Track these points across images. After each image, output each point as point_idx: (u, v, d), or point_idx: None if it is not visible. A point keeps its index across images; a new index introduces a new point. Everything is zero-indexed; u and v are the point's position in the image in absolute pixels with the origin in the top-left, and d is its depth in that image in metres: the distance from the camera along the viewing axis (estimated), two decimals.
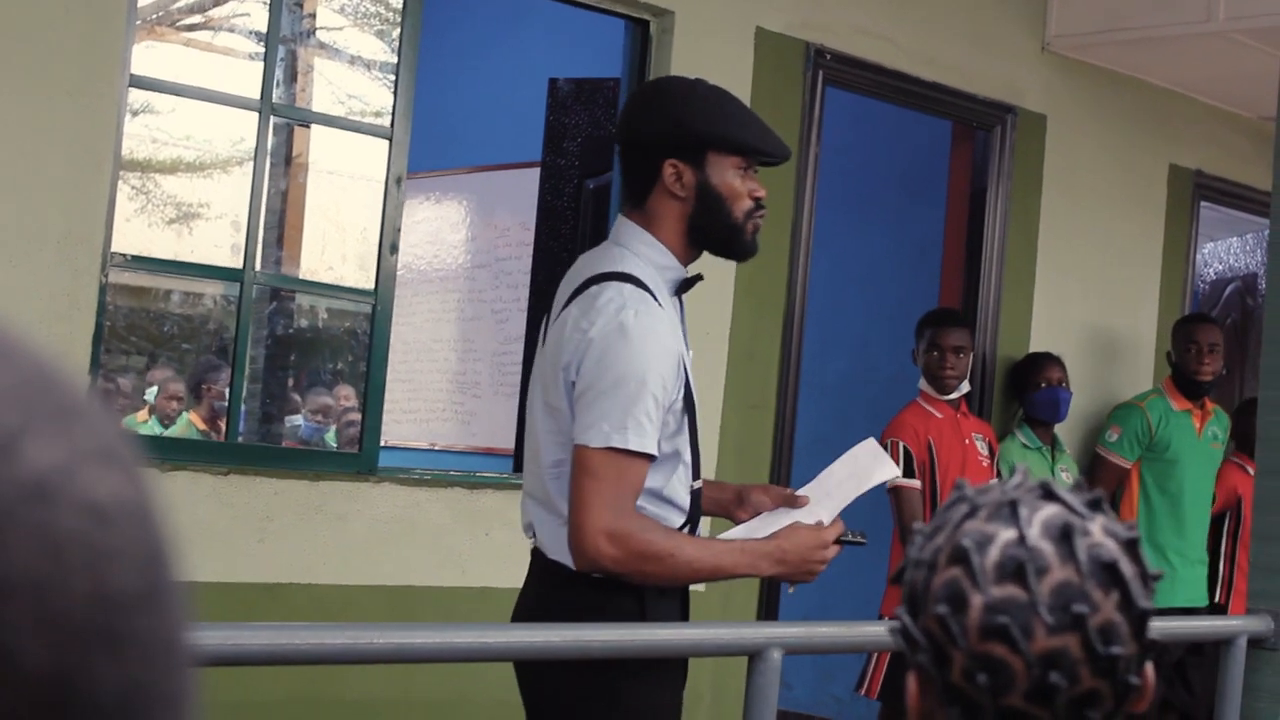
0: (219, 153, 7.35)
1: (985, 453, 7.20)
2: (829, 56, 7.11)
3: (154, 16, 7.19)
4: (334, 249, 9.04)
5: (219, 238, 6.88)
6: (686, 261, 3.74)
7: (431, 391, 9.44)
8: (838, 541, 3.68)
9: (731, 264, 6.70)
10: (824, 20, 7.09)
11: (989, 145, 7.92)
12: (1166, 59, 8.16)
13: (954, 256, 8.11)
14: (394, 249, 6.10)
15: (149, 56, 5.68)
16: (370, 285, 6.11)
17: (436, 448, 9.28)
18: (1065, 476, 7.61)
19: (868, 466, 3.95)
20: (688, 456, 3.69)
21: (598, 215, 7.50)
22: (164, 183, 7.70)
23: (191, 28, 7.11)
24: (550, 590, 3.73)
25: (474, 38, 9.40)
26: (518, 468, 7.68)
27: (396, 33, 6.18)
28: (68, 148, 5.25)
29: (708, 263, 6.56)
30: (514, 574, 6.23)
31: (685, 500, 3.70)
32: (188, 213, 7.60)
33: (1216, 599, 8.20)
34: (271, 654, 3.37)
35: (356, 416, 7.69)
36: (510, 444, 8.17)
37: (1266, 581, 5.07)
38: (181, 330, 6.07)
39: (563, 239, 7.92)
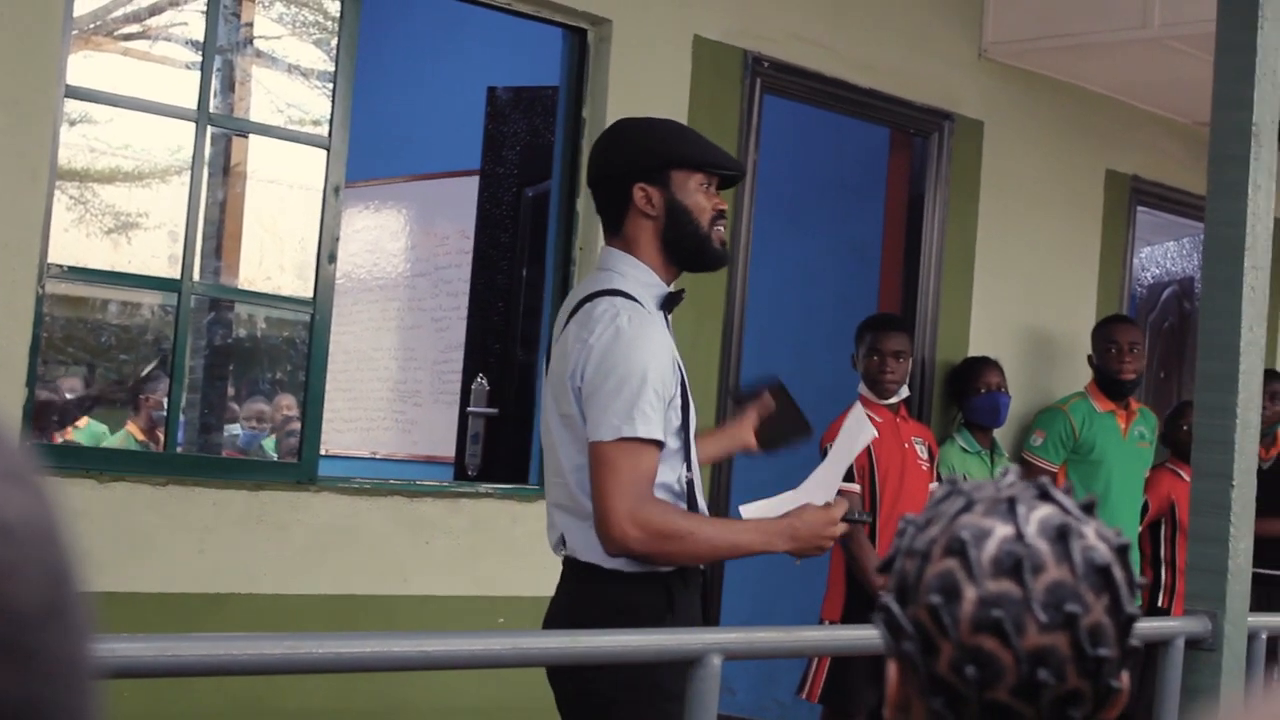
0: (156, 163, 7.32)
1: (925, 457, 7.23)
2: (767, 64, 7.13)
3: (90, 26, 7.16)
4: (272, 258, 9.01)
5: (157, 248, 6.85)
6: (668, 279, 4.07)
7: (372, 400, 9.42)
8: (844, 519, 3.97)
9: None
10: (762, 28, 7.11)
11: (927, 151, 7.95)
12: (1103, 65, 8.21)
13: (893, 262, 8.14)
14: (332, 258, 6.09)
15: (85, 66, 5.66)
16: (309, 294, 6.10)
17: (377, 456, 9.26)
18: None
19: (854, 432, 4.40)
20: (685, 450, 4.00)
21: (537, 223, 7.50)
22: (101, 193, 7.66)
23: (128, 37, 7.08)
24: (583, 590, 4.05)
25: (412, 46, 9.39)
26: (459, 476, 7.68)
27: (334, 42, 6.18)
28: (3, 159, 5.22)
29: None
30: (454, 582, 6.25)
31: (683, 490, 4.01)
32: (125, 223, 7.57)
33: (1160, 604, 8.26)
34: (211, 665, 3.36)
35: (298, 426, 7.68)
36: (450, 452, 8.15)
37: (1203, 583, 5.10)
38: (120, 341, 6.04)
39: (502, 247, 7.91)
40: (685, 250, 4.05)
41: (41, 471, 0.67)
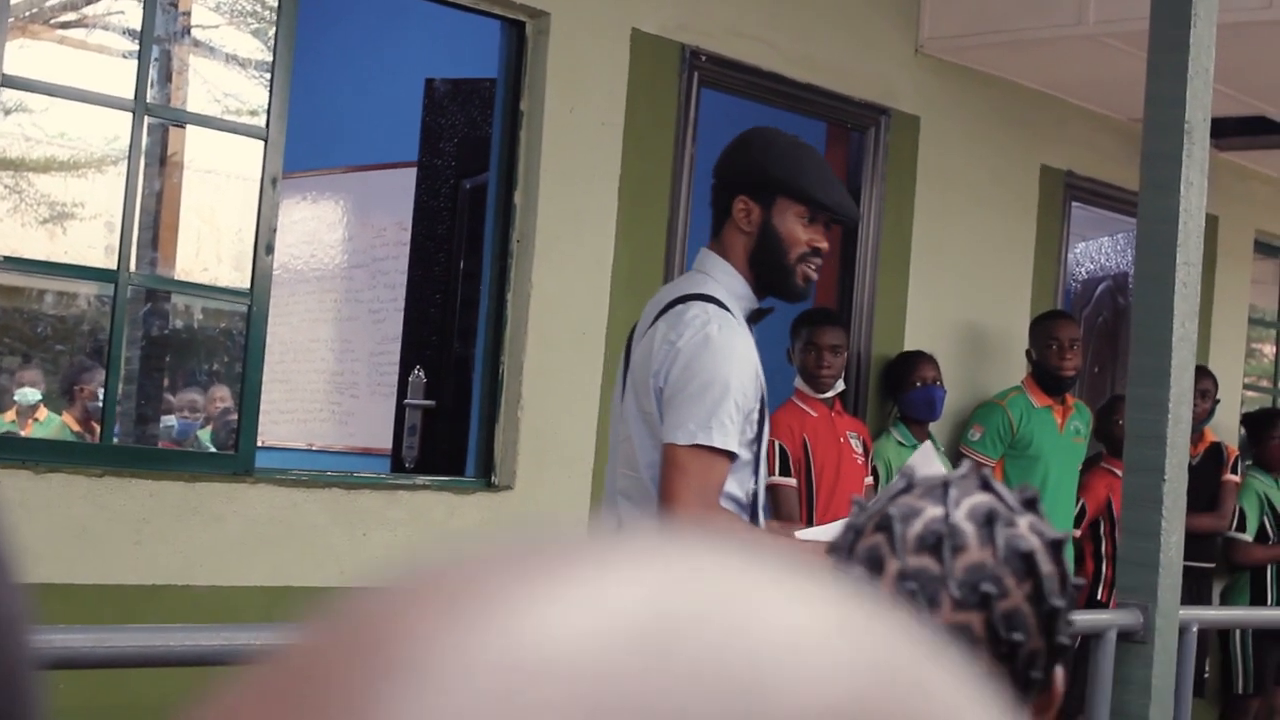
0: (93, 152, 7.28)
1: (860, 451, 7.26)
2: (704, 58, 7.15)
3: (26, 14, 7.12)
4: (209, 249, 8.98)
5: (93, 238, 6.82)
6: (757, 293, 4.13)
7: (308, 392, 9.39)
8: None
9: (606, 261, 6.75)
10: (700, 22, 7.13)
11: (863, 146, 7.98)
12: (1038, 61, 8.26)
13: (829, 256, 8.16)
14: (270, 249, 6.08)
15: (21, 55, 5.63)
16: (246, 285, 6.09)
17: (314, 448, 9.23)
18: None
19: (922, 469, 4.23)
20: (755, 463, 4.06)
21: (474, 215, 7.49)
22: (36, 182, 7.62)
23: (64, 25, 7.04)
24: None
25: (350, 37, 9.36)
26: (396, 468, 7.67)
27: (272, 32, 6.16)
28: None
29: (585, 260, 6.59)
30: (391, 574, 6.23)
31: (749, 503, 4.06)
32: (61, 213, 7.53)
33: (1099, 597, 8.32)
34: (148, 656, 3.36)
35: (234, 417, 7.65)
36: (388, 444, 8.14)
37: (1135, 576, 5.14)
38: (56, 331, 6.01)
39: (439, 239, 7.91)
40: (769, 274, 4.11)
41: None
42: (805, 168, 4.12)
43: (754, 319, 4.14)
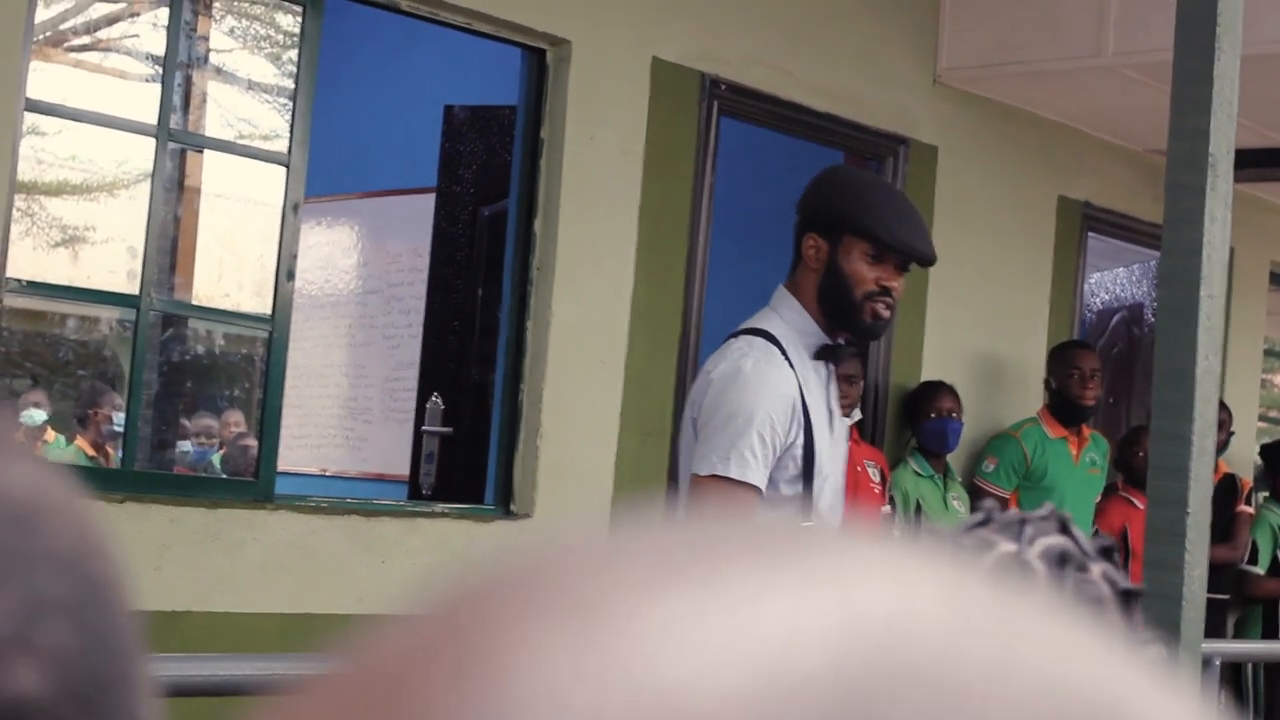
0: (113, 177, 7.28)
1: (877, 480, 7.25)
2: (724, 87, 7.15)
3: (44, 36, 7.13)
4: (230, 275, 8.98)
5: (114, 263, 6.82)
6: (828, 330, 4.11)
7: (322, 417, 9.39)
8: None
9: (626, 289, 6.75)
10: (719, 51, 7.13)
11: (881, 176, 7.98)
12: (1056, 92, 8.26)
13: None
14: (291, 275, 6.08)
15: (42, 79, 5.63)
16: (267, 311, 6.09)
17: (328, 473, 9.23)
18: (957, 505, 7.69)
19: None
20: (805, 499, 4.03)
21: (493, 242, 7.49)
22: (56, 206, 7.62)
23: (85, 49, 7.05)
24: None
25: (369, 63, 9.37)
26: (413, 495, 7.67)
27: (290, 56, 6.17)
28: None
29: (604, 289, 6.59)
30: (410, 602, 6.22)
31: None
32: (81, 237, 7.53)
33: None
34: (169, 686, 3.35)
35: (246, 442, 7.64)
36: (402, 470, 8.13)
37: (1158, 610, 5.13)
38: (77, 356, 6.01)
39: (457, 266, 7.91)
40: (837, 312, 4.09)
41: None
42: (871, 205, 4.10)
43: (824, 356, 4.13)
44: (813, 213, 4.13)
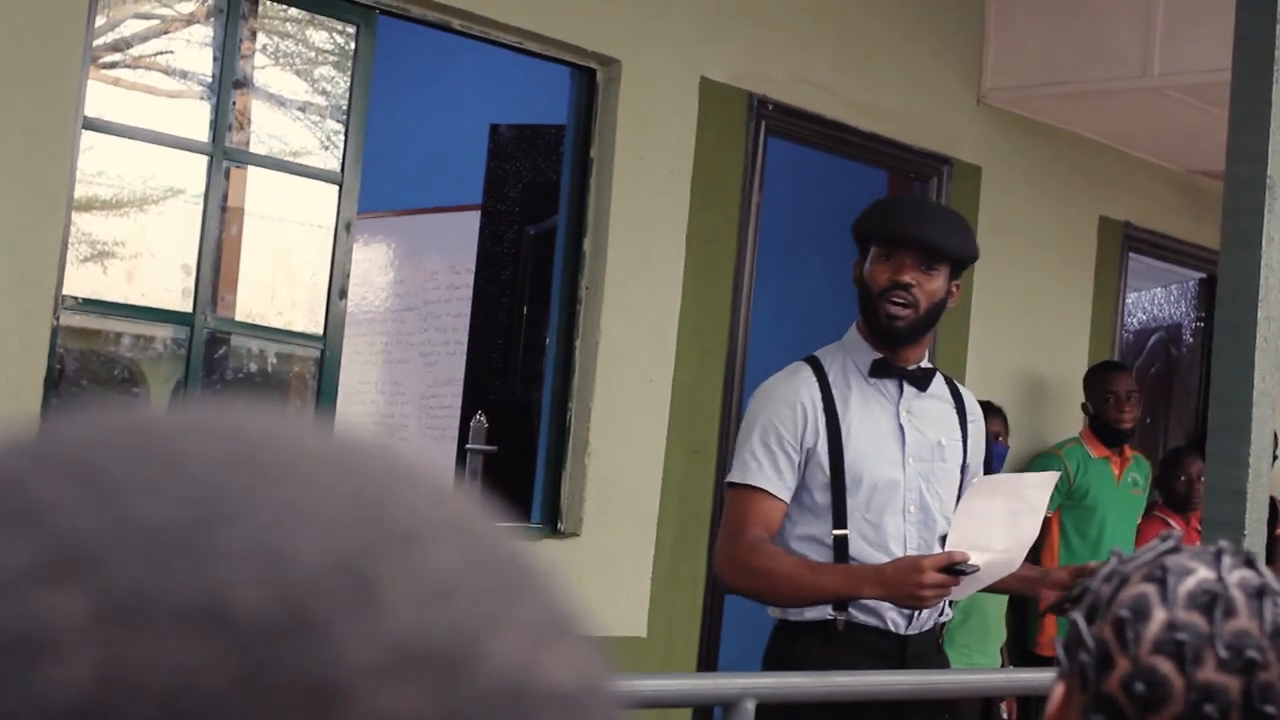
0: (166, 195, 7.31)
1: None
2: (771, 107, 7.17)
3: (100, 56, 7.16)
4: (282, 293, 9.00)
5: (168, 281, 6.83)
6: (882, 347, 4.27)
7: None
8: (949, 570, 3.92)
9: (674, 308, 6.76)
10: (767, 71, 7.14)
11: (925, 195, 7.98)
12: (1099, 112, 8.26)
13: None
14: (343, 294, 6.10)
15: (97, 97, 5.65)
16: (319, 330, 6.10)
17: None
18: None
19: (1030, 497, 4.33)
20: (836, 506, 4.17)
21: (539, 261, 7.51)
22: (111, 225, 7.64)
23: (138, 67, 7.07)
24: (770, 638, 4.27)
25: (416, 82, 9.39)
26: None
27: (332, 74, 6.18)
28: (22, 189, 5.21)
29: (652, 307, 6.60)
30: None
31: (831, 544, 4.17)
32: (134, 255, 7.55)
33: None
34: None
35: None
36: None
37: None
38: (131, 374, 6.02)
39: (502, 284, 7.93)
40: (868, 321, 4.27)
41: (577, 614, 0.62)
42: (878, 210, 4.33)
43: (879, 373, 4.28)
44: (855, 231, 4.33)
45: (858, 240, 4.30)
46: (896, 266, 4.18)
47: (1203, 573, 1.75)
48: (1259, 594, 1.74)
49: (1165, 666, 1.70)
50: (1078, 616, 1.78)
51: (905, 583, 3.91)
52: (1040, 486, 4.36)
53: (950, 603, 4.24)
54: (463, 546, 0.56)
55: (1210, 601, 1.72)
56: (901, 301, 4.19)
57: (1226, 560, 1.77)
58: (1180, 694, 1.69)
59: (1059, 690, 1.79)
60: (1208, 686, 1.69)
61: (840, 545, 4.14)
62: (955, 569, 3.92)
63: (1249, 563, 1.79)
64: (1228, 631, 1.70)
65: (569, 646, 0.58)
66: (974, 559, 3.93)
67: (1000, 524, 4.02)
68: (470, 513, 0.58)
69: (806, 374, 4.26)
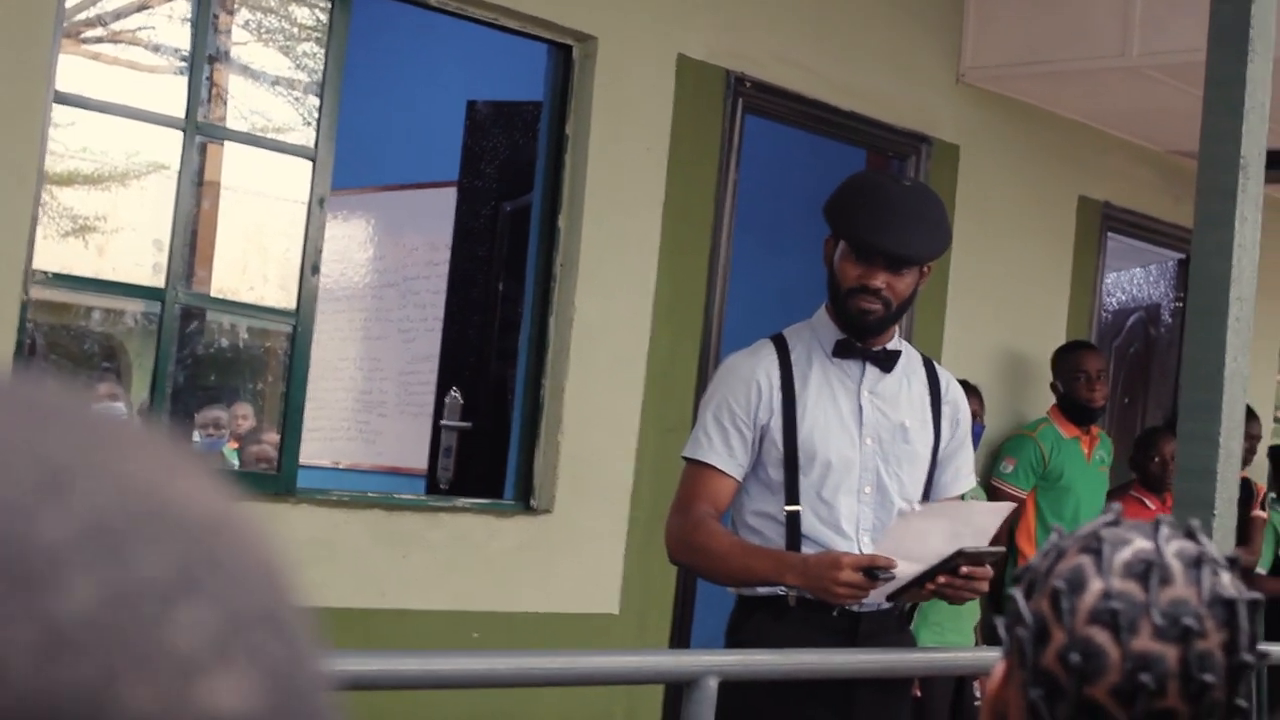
0: (139, 170, 7.28)
1: None
2: (749, 84, 7.14)
3: (70, 28, 7.12)
4: (254, 269, 8.97)
5: (140, 256, 6.81)
6: (843, 329, 4.27)
7: (336, 410, 9.37)
8: (869, 573, 3.89)
9: (649, 285, 6.75)
10: (745, 48, 7.12)
11: (903, 174, 7.97)
12: (1079, 92, 8.25)
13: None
14: (316, 269, 6.08)
15: (69, 71, 5.63)
16: (291, 305, 6.08)
17: (341, 466, 9.21)
18: None
19: (978, 523, 4.18)
20: (790, 483, 4.18)
21: (514, 237, 7.48)
22: (82, 199, 7.61)
23: (111, 42, 7.05)
24: (731, 614, 4.28)
25: (392, 58, 9.35)
26: (430, 489, 7.66)
27: (309, 49, 6.15)
28: None
29: (627, 285, 6.58)
30: (432, 596, 6.23)
31: (783, 521, 4.18)
32: (106, 230, 7.52)
33: None
34: None
35: (262, 436, 7.62)
36: (417, 463, 8.12)
37: None
38: (102, 348, 6.00)
39: (478, 260, 7.90)
40: (835, 308, 4.27)
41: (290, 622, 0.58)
42: (851, 205, 4.24)
43: (842, 353, 4.28)
44: (826, 217, 4.30)
45: (830, 225, 4.27)
46: (866, 271, 4.17)
47: (1139, 543, 1.74)
48: (1196, 563, 1.73)
49: (1101, 636, 1.68)
50: (1016, 593, 1.77)
51: (822, 576, 3.91)
52: (992, 514, 4.29)
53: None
54: (100, 579, 0.50)
55: (1146, 570, 1.70)
56: (869, 301, 4.20)
57: (1164, 530, 1.75)
58: (1116, 664, 1.68)
59: (999, 669, 1.78)
60: (1144, 656, 1.67)
61: (793, 522, 4.16)
62: (874, 573, 3.89)
63: (1189, 534, 1.78)
64: (1164, 600, 1.69)
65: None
66: (902, 567, 3.90)
67: (937, 541, 3.99)
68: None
69: (767, 351, 4.28)
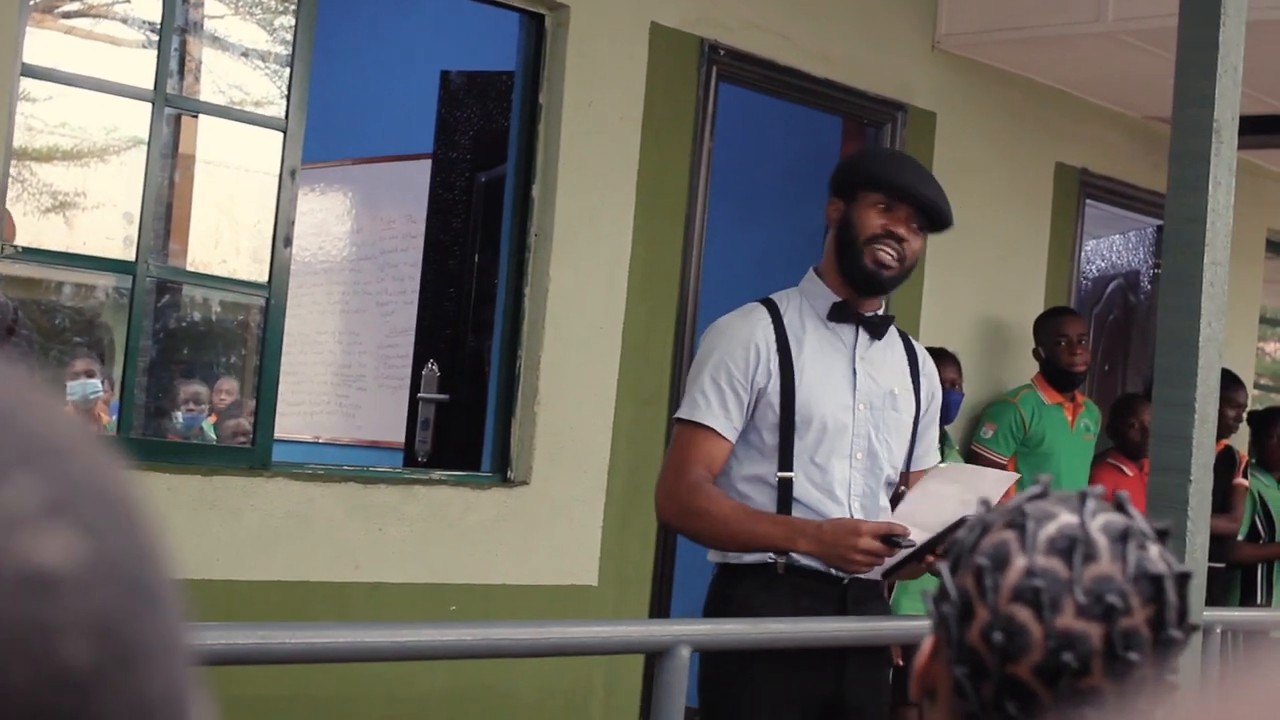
0: (108, 143, 7.24)
1: None
2: (723, 52, 7.12)
3: (39, 1, 7.09)
4: (227, 242, 8.93)
5: (110, 229, 6.78)
6: (843, 291, 4.28)
7: (315, 384, 9.34)
8: (887, 541, 3.92)
9: (624, 256, 6.72)
10: (718, 16, 7.09)
11: (879, 141, 7.95)
12: (1055, 58, 8.23)
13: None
14: (288, 242, 6.05)
15: (37, 44, 5.59)
16: (263, 278, 6.06)
17: (320, 440, 9.19)
18: None
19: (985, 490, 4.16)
20: (784, 447, 4.16)
21: (489, 209, 7.45)
22: (51, 173, 7.57)
23: (80, 15, 7.00)
24: (711, 583, 4.24)
25: (365, 29, 9.32)
26: (408, 462, 7.64)
27: (284, 21, 6.12)
28: None
29: (602, 255, 6.56)
30: (406, 569, 6.22)
31: (776, 485, 4.15)
32: (76, 204, 7.49)
33: None
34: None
35: (241, 410, 7.59)
36: (395, 437, 8.09)
37: None
38: (73, 323, 5.97)
39: (454, 232, 7.87)
40: (844, 261, 4.25)
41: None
42: (883, 158, 4.40)
43: (837, 316, 4.28)
44: (835, 180, 4.32)
45: (841, 184, 4.29)
46: (894, 218, 4.21)
47: (1064, 518, 1.72)
48: (1123, 537, 1.70)
49: (1023, 614, 1.67)
50: (943, 567, 1.75)
51: (840, 543, 3.91)
52: (998, 481, 4.36)
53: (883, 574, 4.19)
54: None
55: (1069, 546, 1.68)
56: (890, 251, 4.22)
57: (1091, 504, 1.73)
58: (1039, 642, 1.66)
59: (927, 643, 1.77)
60: (1067, 634, 1.66)
61: (785, 487, 4.14)
62: (892, 540, 3.90)
63: (1119, 506, 1.76)
64: (1087, 577, 1.67)
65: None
66: (914, 536, 3.90)
67: (950, 507, 3.99)
68: None
69: (761, 314, 4.27)
